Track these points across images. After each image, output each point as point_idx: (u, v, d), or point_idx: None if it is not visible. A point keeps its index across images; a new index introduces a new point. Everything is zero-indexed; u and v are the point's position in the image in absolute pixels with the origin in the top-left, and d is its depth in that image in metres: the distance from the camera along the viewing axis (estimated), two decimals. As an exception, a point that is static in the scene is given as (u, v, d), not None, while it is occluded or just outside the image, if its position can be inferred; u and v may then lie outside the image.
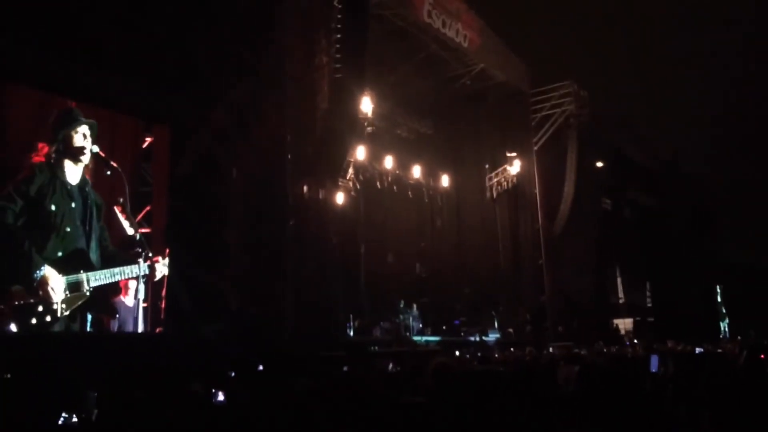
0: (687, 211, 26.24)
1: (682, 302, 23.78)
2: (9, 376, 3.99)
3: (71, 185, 5.25)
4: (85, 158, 5.33)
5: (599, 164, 20.61)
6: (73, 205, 5.22)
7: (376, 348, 11.86)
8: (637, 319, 21.04)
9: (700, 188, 27.78)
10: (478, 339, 14.95)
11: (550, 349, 12.81)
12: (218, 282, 9.89)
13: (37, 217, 5.00)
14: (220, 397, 4.47)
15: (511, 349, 12.23)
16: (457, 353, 10.49)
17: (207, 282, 9.46)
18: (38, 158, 5.19)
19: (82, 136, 5.28)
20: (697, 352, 8.21)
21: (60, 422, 3.47)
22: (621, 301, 23.51)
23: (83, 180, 5.39)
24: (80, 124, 5.29)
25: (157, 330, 8.51)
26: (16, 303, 4.73)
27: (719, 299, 27.81)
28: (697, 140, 27.27)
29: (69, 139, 5.24)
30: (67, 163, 5.25)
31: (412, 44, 15.42)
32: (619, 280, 23.84)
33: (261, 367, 6.36)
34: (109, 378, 4.28)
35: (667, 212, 26.11)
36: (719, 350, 7.84)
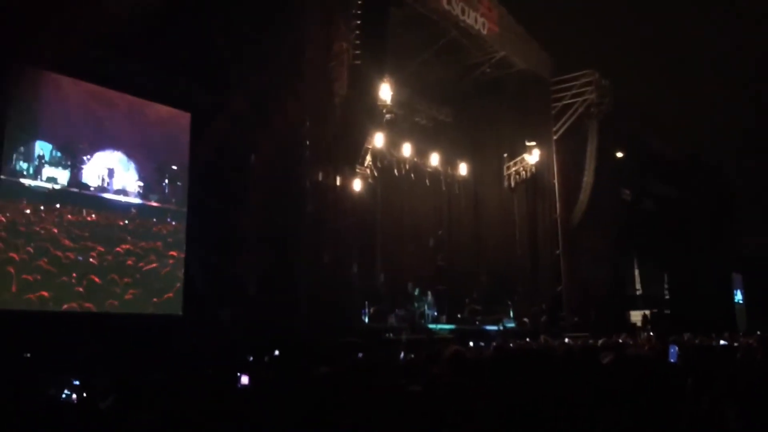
0: (707, 202, 25.89)
1: (700, 294, 23.53)
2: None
3: None
4: None
5: (619, 154, 20.37)
6: None
7: (391, 335, 11.89)
8: (654, 311, 20.87)
9: (721, 179, 27.38)
10: (498, 328, 14.92)
11: (566, 340, 12.76)
12: (235, 267, 9.96)
13: None
14: (244, 380, 4.49)
15: (527, 339, 12.21)
16: (471, 344, 10.47)
17: (224, 267, 9.54)
18: None
19: None
20: (714, 345, 8.14)
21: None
22: (638, 293, 23.33)
23: None
24: None
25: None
26: None
27: (737, 292, 27.52)
28: (719, 131, 26.83)
29: None
30: None
31: (432, 31, 15.29)
32: (636, 271, 23.65)
33: (277, 353, 6.42)
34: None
35: (687, 203, 25.80)
36: (736, 344, 7.77)
